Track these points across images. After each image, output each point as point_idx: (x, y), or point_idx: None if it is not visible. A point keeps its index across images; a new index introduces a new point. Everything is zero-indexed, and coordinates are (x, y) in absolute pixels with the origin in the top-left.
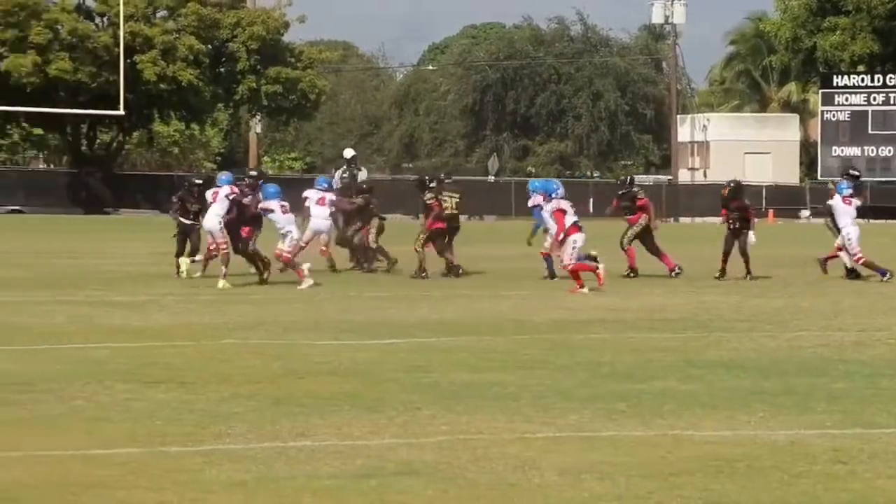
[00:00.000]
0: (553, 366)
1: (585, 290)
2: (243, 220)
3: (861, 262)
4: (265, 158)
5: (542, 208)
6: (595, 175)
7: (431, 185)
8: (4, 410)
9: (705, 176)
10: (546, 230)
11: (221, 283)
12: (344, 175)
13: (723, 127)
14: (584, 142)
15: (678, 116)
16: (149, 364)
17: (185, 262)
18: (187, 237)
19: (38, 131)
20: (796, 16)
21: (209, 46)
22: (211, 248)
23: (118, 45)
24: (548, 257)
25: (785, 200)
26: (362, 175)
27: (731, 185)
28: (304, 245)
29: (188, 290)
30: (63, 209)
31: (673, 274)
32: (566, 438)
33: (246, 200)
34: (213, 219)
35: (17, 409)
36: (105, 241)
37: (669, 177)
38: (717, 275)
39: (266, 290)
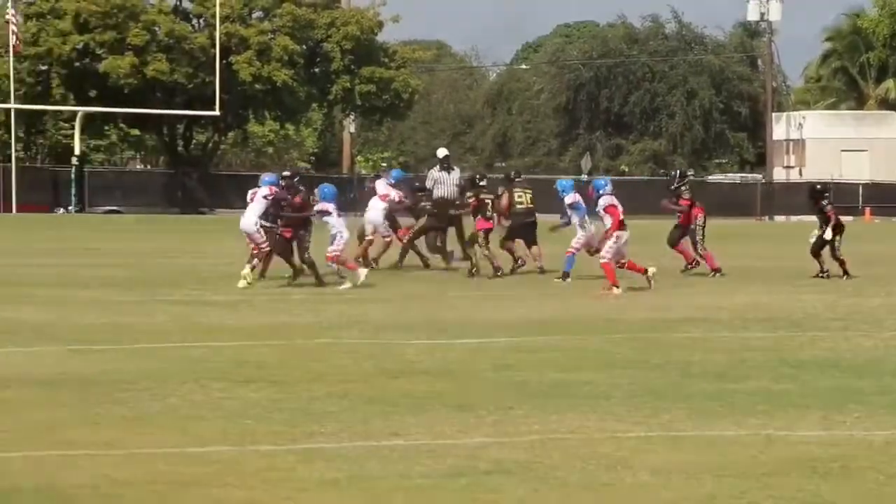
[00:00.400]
0: (645, 365)
1: (618, 290)
2: (289, 221)
3: None
4: (358, 158)
5: (576, 206)
6: (689, 173)
7: (481, 183)
8: (109, 408)
9: (801, 174)
10: (582, 225)
11: (242, 284)
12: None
13: (819, 124)
14: (678, 140)
15: (773, 114)
16: (243, 363)
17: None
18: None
19: (136, 132)
20: (895, 12)
21: (304, 47)
22: (254, 251)
23: (214, 46)
24: (571, 256)
25: (882, 198)
26: (455, 174)
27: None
28: (370, 237)
29: (282, 289)
30: (159, 209)
31: (688, 267)
32: (658, 438)
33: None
34: (249, 219)
35: (119, 407)
36: (201, 240)
37: (762, 175)
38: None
39: (359, 290)
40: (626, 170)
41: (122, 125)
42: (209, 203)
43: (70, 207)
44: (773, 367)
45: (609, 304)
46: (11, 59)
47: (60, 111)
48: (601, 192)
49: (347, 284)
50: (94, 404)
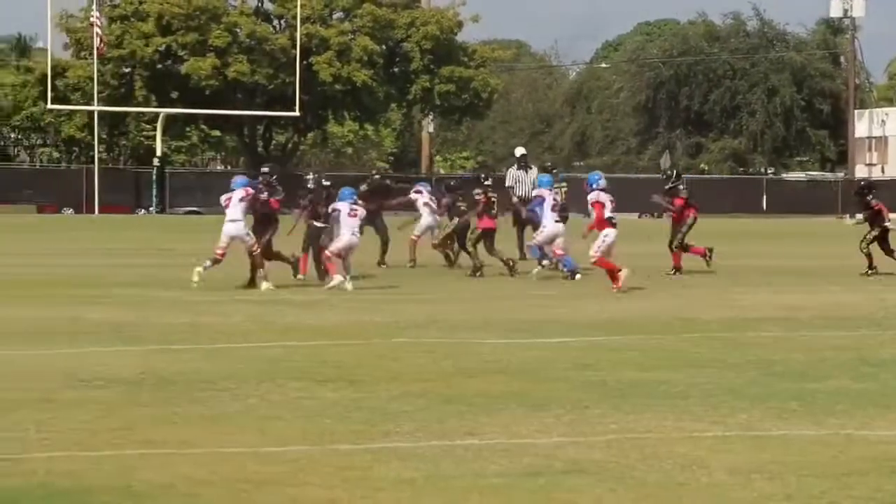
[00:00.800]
0: (723, 364)
1: (626, 270)
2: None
3: None
4: (437, 157)
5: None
6: (769, 172)
7: (486, 182)
8: (188, 408)
9: (883, 171)
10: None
11: (265, 286)
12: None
13: None
14: (759, 138)
15: (856, 112)
16: (320, 363)
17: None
18: (317, 240)
19: (216, 133)
20: None
21: (383, 47)
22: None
23: (295, 47)
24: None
25: None
26: (533, 173)
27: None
28: (416, 237)
29: (360, 289)
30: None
31: (674, 273)
32: (736, 437)
33: (263, 196)
34: (233, 225)
35: (198, 406)
36: (281, 241)
37: (843, 173)
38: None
39: (435, 289)
40: (706, 168)
41: (203, 126)
42: (290, 203)
43: (151, 208)
44: (854, 367)
45: (686, 304)
46: (96, 61)
47: (143, 113)
48: (593, 186)
49: (337, 281)
50: (172, 404)
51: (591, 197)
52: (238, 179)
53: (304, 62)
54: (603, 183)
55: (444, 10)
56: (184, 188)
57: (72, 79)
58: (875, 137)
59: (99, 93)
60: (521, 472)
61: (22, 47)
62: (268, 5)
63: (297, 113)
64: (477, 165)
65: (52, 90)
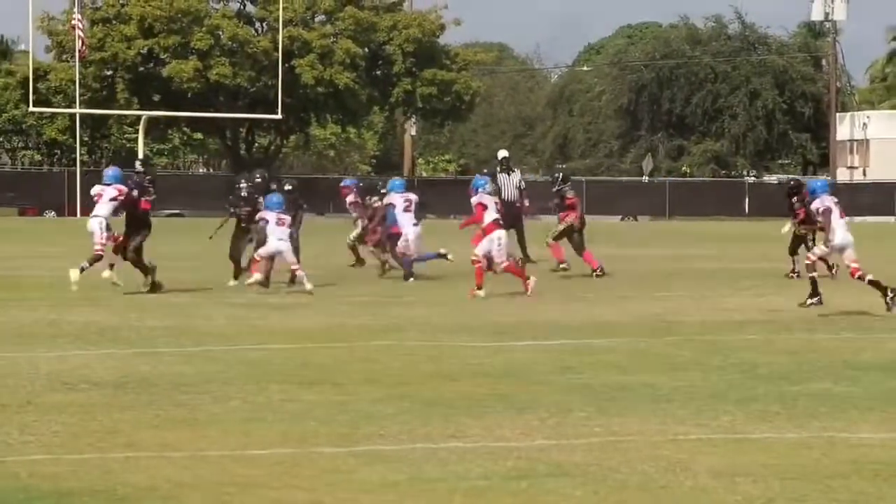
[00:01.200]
0: (706, 367)
1: (482, 293)
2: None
3: None
4: (419, 161)
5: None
6: (751, 175)
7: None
8: (171, 411)
9: (864, 175)
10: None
11: (106, 274)
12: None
13: (883, 124)
14: (741, 141)
15: (837, 114)
16: (302, 365)
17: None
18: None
19: (199, 136)
20: None
21: (366, 49)
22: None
23: (277, 50)
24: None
25: None
26: (516, 176)
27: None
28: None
29: (342, 291)
30: (221, 212)
31: (595, 275)
32: (719, 440)
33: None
34: (95, 220)
35: (181, 409)
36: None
37: (825, 175)
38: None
39: (417, 292)
40: (688, 171)
41: (185, 129)
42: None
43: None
44: (836, 370)
45: (670, 307)
46: (77, 64)
47: (125, 115)
48: (478, 190)
49: (255, 278)
50: (155, 406)
51: (476, 199)
52: (110, 172)
53: (287, 65)
54: (489, 187)
55: (426, 13)
56: (165, 191)
57: (54, 81)
58: (857, 140)
59: (81, 95)
60: (505, 474)
61: (3, 50)
62: (250, 8)
63: (279, 116)
64: (459, 169)
65: (34, 93)
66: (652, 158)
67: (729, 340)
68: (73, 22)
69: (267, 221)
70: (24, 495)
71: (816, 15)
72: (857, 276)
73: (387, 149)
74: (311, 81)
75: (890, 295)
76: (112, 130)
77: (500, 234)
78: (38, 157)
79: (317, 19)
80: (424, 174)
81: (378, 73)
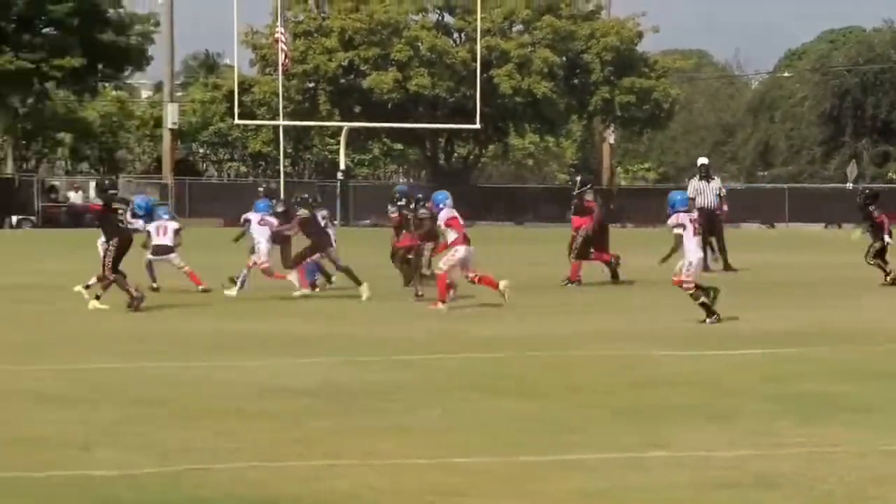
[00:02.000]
0: None
1: (444, 307)
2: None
3: None
4: (618, 169)
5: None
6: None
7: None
8: (369, 419)
9: None
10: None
11: (77, 288)
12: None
13: None
14: None
15: None
16: (500, 374)
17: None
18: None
19: (399, 146)
20: None
21: (564, 58)
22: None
23: (475, 60)
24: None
25: None
26: (715, 183)
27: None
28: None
29: (533, 300)
30: None
31: (564, 284)
32: None
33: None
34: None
35: (379, 417)
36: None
37: None
38: None
39: (604, 301)
40: (895, 177)
41: (385, 139)
42: (472, 216)
43: (335, 221)
44: None
45: (866, 315)
46: (280, 76)
47: (326, 127)
48: (440, 205)
49: (233, 291)
50: (357, 415)
51: (444, 215)
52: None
53: (485, 75)
54: (450, 202)
55: (624, 20)
56: (367, 201)
57: (258, 94)
58: None
59: (284, 108)
60: (709, 484)
61: (210, 64)
62: (448, 19)
63: (477, 125)
64: (658, 177)
65: (239, 106)
66: (856, 165)
67: None
68: (276, 35)
69: (249, 222)
70: (231, 502)
71: None
72: None
73: (585, 157)
74: (509, 91)
75: None
76: (314, 142)
77: (461, 248)
78: (243, 169)
79: (514, 29)
80: (623, 182)
81: (576, 81)
